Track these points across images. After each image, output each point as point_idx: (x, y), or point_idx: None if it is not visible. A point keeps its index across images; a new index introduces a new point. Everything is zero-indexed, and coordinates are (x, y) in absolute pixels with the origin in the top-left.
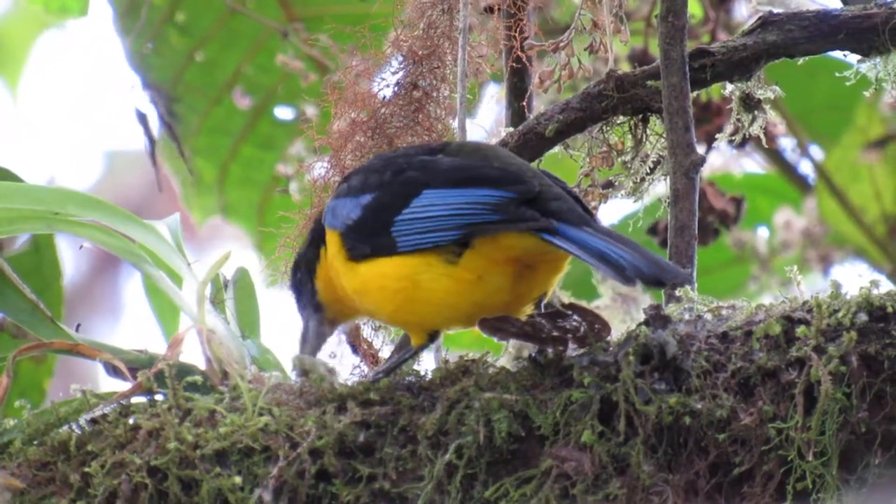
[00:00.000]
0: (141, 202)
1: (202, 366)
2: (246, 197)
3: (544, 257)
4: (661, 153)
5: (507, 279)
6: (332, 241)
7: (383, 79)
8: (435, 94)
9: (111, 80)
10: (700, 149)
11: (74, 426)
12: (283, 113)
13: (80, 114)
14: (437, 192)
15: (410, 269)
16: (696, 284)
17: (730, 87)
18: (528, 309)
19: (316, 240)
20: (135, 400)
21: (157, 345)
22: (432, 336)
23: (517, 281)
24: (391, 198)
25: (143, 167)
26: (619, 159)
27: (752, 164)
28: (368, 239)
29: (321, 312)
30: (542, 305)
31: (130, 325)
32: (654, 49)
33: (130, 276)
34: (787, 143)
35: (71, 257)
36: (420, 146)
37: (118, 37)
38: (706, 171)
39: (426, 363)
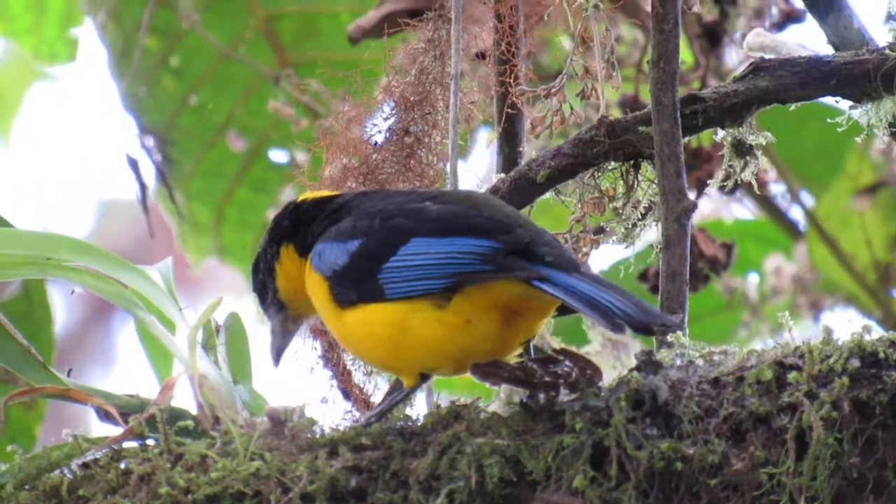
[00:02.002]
0: (133, 251)
1: (194, 411)
2: (241, 239)
3: (532, 303)
4: (652, 199)
5: (494, 325)
6: (320, 286)
7: (375, 124)
8: (427, 140)
9: (104, 126)
10: (691, 195)
11: (66, 471)
12: (278, 156)
13: (72, 162)
14: (425, 240)
15: (399, 315)
16: (687, 330)
17: (721, 132)
18: (516, 352)
19: (276, 238)
20: (126, 445)
21: (150, 390)
22: (424, 377)
23: (505, 326)
24: (378, 245)
25: (135, 216)
26: (611, 205)
27: (743, 210)
28: (355, 286)
29: (284, 311)
30: (532, 349)
31: (124, 372)
32: (645, 95)
33: (124, 324)
34: (777, 190)
35: (64, 304)
36: (409, 191)
37: (113, 80)
38: (697, 218)
39: (418, 408)
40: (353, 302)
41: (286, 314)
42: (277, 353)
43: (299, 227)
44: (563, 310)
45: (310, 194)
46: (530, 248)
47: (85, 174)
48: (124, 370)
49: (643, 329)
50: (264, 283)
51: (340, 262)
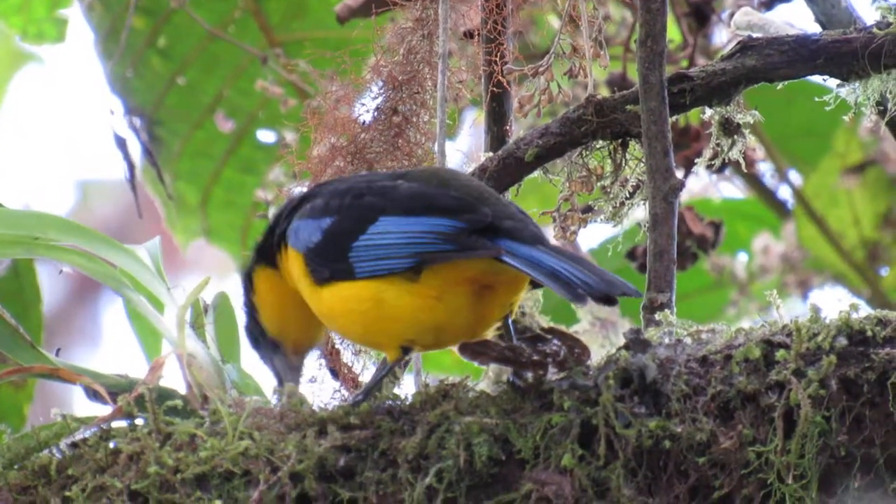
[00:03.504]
0: (114, 231)
1: (182, 390)
2: (229, 220)
3: (500, 277)
4: (640, 178)
5: (466, 298)
6: (297, 261)
7: (363, 104)
8: (415, 119)
9: (89, 107)
10: (679, 173)
11: (55, 450)
12: (266, 136)
13: (54, 143)
14: (392, 219)
15: (372, 290)
16: (675, 309)
17: (709, 111)
18: (492, 330)
19: (248, 271)
20: (115, 424)
21: (138, 370)
22: (405, 350)
23: (477, 300)
24: (349, 223)
25: (116, 196)
26: (599, 184)
27: (731, 188)
28: (328, 263)
29: (279, 349)
30: (511, 327)
31: (110, 351)
32: (633, 74)
33: (110, 303)
34: (765, 168)
35: (49, 283)
36: (386, 171)
37: (99, 61)
38: (685, 196)
39: (406, 387)
40: (327, 279)
41: (282, 352)
42: (290, 396)
43: (270, 236)
44: (536, 283)
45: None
46: (494, 224)
47: (66, 154)
48: (110, 349)
49: (604, 299)
50: (251, 329)
51: (314, 240)
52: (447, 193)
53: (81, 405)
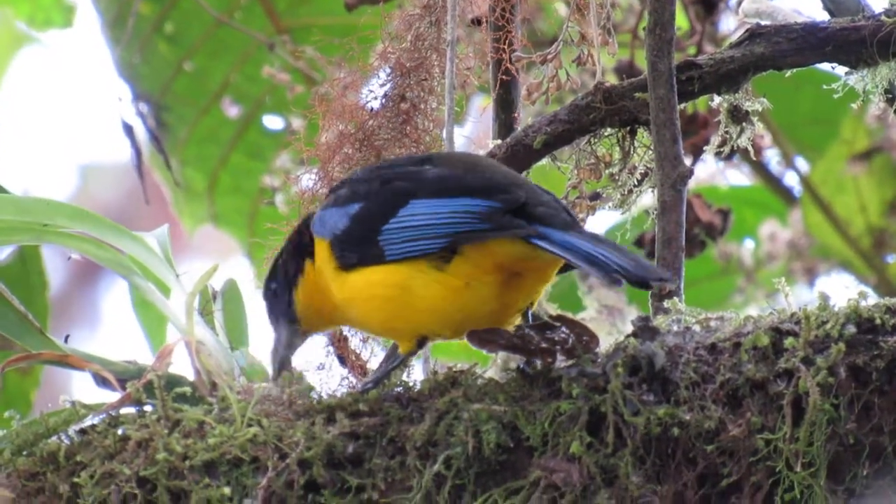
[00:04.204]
0: (114, 216)
1: (191, 377)
2: (236, 206)
3: (531, 264)
4: (648, 165)
5: (494, 287)
6: (321, 249)
7: (371, 91)
8: (423, 106)
9: (89, 90)
10: (687, 161)
11: (63, 437)
12: (273, 122)
13: (54, 127)
14: (423, 202)
15: (400, 276)
16: (683, 296)
17: (717, 99)
18: (516, 319)
19: (300, 250)
20: (124, 411)
21: (142, 356)
22: (420, 343)
23: (505, 289)
24: (378, 207)
25: (116, 181)
26: (607, 171)
27: (738, 176)
28: (356, 248)
29: (295, 324)
30: (531, 316)
31: (108, 336)
32: (641, 61)
33: (109, 288)
34: (772, 156)
35: (48, 269)
36: (407, 157)
37: (107, 46)
38: (692, 184)
39: (415, 374)
40: (354, 264)
41: (296, 328)
42: (281, 366)
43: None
44: (561, 270)
45: None
46: (527, 207)
47: (66, 138)
48: (108, 334)
49: (640, 283)
50: (277, 294)
51: (341, 226)
52: (477, 175)
53: (80, 391)
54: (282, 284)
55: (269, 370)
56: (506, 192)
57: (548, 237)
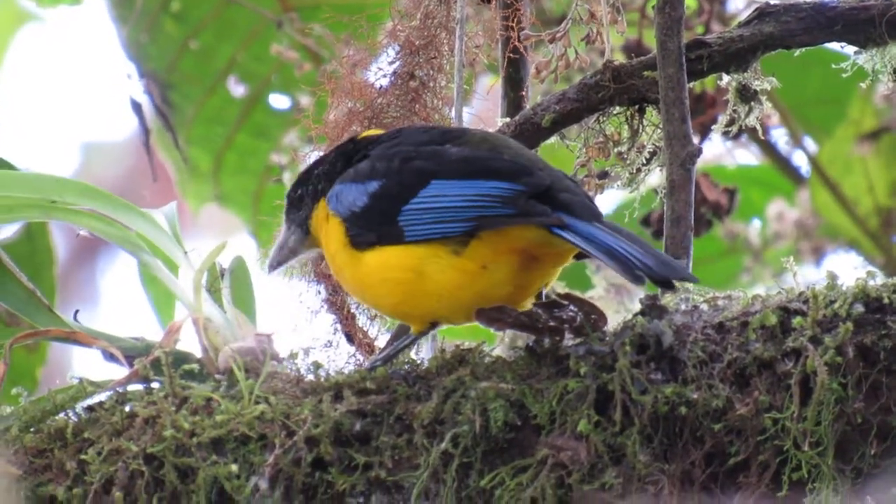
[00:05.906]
0: (117, 194)
1: (199, 354)
2: (241, 185)
3: (550, 249)
4: (657, 144)
5: (511, 270)
6: (335, 227)
7: (380, 69)
8: (431, 84)
9: (94, 70)
10: (695, 140)
11: (71, 413)
12: (278, 101)
13: (55, 104)
14: (445, 182)
15: (416, 259)
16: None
17: (726, 78)
18: (531, 301)
19: (331, 178)
20: (131, 388)
21: (148, 332)
22: (433, 324)
23: (521, 272)
24: (399, 187)
25: (117, 158)
26: (616, 150)
27: (746, 155)
28: (375, 227)
29: (306, 234)
30: (543, 298)
31: (108, 314)
32: (649, 40)
33: (108, 265)
34: (780, 135)
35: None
36: (426, 130)
37: (114, 25)
38: (699, 163)
39: (422, 352)
40: (371, 244)
41: (304, 237)
42: (276, 265)
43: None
44: (578, 255)
45: (371, 132)
46: (551, 192)
47: (68, 115)
48: (109, 311)
49: (663, 283)
50: (302, 200)
51: (360, 204)
52: (501, 157)
53: (81, 366)
54: (310, 196)
55: (266, 264)
56: (530, 176)
57: (572, 228)
